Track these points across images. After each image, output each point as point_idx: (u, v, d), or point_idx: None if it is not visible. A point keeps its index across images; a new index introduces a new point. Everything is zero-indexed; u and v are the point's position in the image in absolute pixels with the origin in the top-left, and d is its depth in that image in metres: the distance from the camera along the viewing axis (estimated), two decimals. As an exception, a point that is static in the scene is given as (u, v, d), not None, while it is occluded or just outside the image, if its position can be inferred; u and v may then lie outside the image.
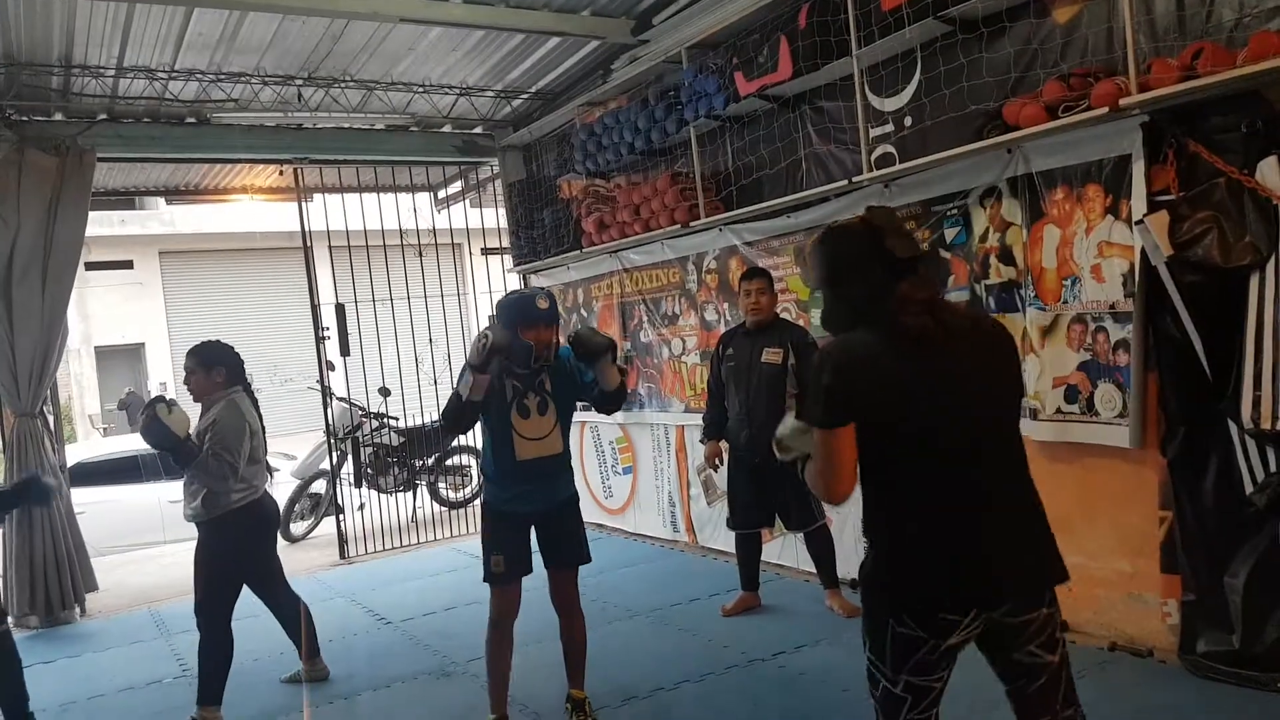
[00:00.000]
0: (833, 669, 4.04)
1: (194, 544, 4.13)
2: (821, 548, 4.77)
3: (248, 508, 4.05)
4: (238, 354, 4.17)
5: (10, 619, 5.05)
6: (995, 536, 2.04)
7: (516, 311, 3.47)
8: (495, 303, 3.69)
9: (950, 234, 4.34)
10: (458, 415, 3.46)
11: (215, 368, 4.07)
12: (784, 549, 5.51)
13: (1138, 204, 3.56)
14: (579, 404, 3.76)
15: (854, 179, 4.54)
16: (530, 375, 3.52)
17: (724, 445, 4.95)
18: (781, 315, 4.90)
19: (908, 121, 4.41)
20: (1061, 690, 2.13)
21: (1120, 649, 3.82)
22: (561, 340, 3.63)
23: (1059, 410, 3.97)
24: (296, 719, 4.14)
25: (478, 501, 8.86)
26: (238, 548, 4.07)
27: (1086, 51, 3.72)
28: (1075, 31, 3.76)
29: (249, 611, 4.49)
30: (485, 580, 3.64)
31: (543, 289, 3.78)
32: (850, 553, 5.05)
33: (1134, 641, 3.81)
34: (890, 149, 4.49)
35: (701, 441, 5.18)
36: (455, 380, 3.57)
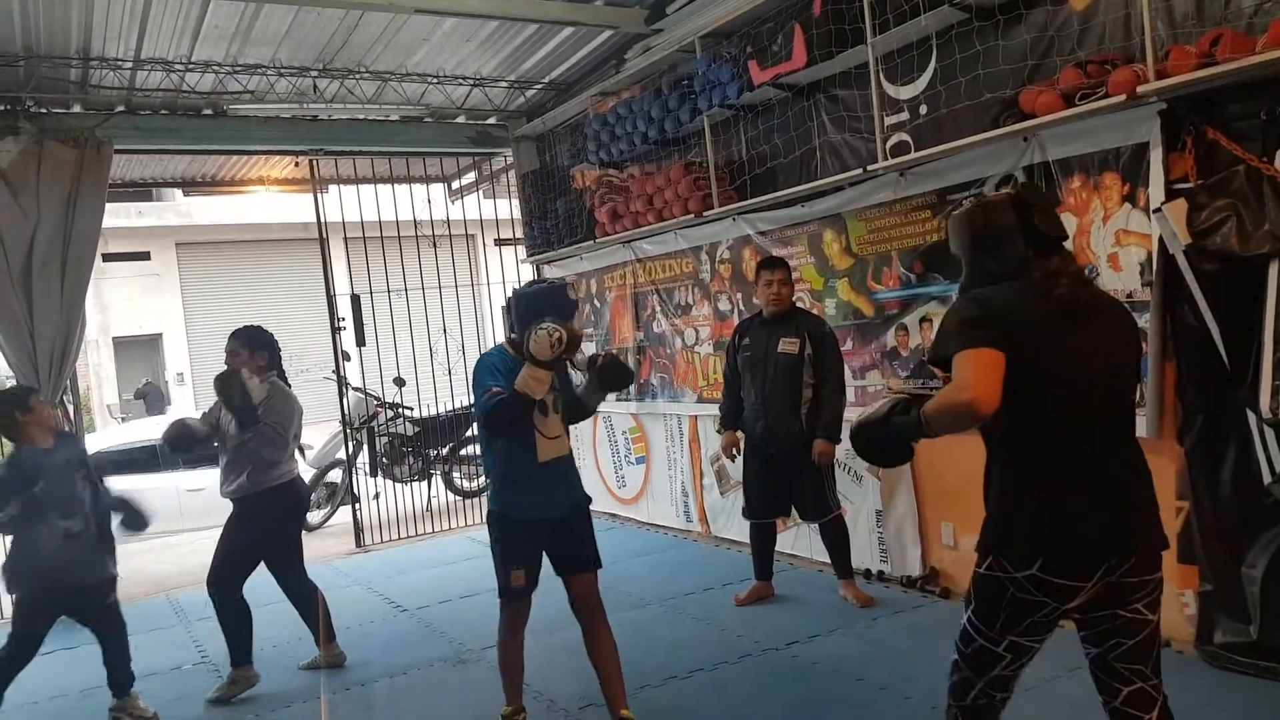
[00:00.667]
0: (846, 659, 4.04)
1: (218, 529, 4.37)
2: (837, 538, 4.77)
3: (286, 486, 4.31)
4: (276, 341, 4.42)
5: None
6: (1122, 500, 2.15)
7: (549, 302, 3.33)
8: (515, 293, 3.49)
9: (966, 223, 4.32)
10: (515, 416, 3.22)
11: (259, 351, 4.32)
12: (797, 539, 5.51)
13: (1155, 192, 3.53)
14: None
15: (869, 168, 4.53)
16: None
17: (740, 435, 4.96)
18: (796, 305, 4.89)
19: (923, 110, 4.39)
20: (1154, 654, 2.20)
21: (1136, 639, 3.81)
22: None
23: (1075, 400, 3.95)
24: (314, 706, 4.17)
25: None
26: (275, 523, 4.34)
27: (1104, 39, 3.68)
28: (1092, 18, 3.72)
29: (268, 599, 4.55)
30: (502, 596, 3.48)
31: (563, 278, 3.72)
32: (865, 543, 5.06)
33: (1150, 632, 3.80)
34: (905, 137, 4.47)
35: (718, 431, 5.18)
36: (475, 381, 3.32)
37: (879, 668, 3.88)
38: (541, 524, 3.40)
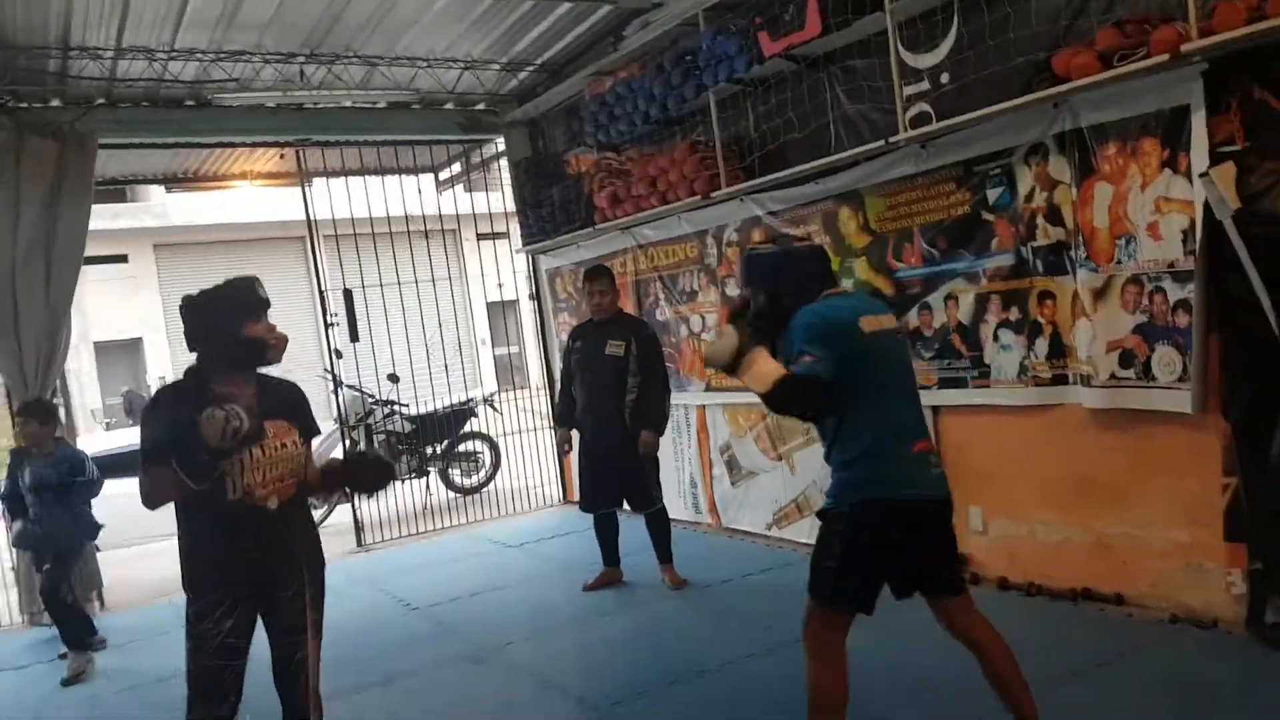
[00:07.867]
0: (874, 651, 3.84)
1: None
2: (659, 528, 5.12)
3: None
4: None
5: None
6: None
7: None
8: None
9: (993, 195, 4.17)
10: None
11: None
12: (814, 530, 5.36)
13: (1198, 157, 3.39)
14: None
15: (889, 140, 4.36)
16: None
17: (574, 433, 5.29)
18: (622, 310, 5.29)
19: (945, 78, 4.23)
20: None
21: (1182, 621, 3.68)
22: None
23: (1113, 376, 3.81)
24: (335, 706, 3.99)
25: (490, 488, 8.78)
26: None
27: (1141, -4, 3.55)
28: (1128, -25, 3.58)
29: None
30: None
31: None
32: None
33: (1196, 613, 3.67)
34: (926, 108, 4.30)
35: (554, 429, 5.65)
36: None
37: (909, 658, 3.69)
38: None
